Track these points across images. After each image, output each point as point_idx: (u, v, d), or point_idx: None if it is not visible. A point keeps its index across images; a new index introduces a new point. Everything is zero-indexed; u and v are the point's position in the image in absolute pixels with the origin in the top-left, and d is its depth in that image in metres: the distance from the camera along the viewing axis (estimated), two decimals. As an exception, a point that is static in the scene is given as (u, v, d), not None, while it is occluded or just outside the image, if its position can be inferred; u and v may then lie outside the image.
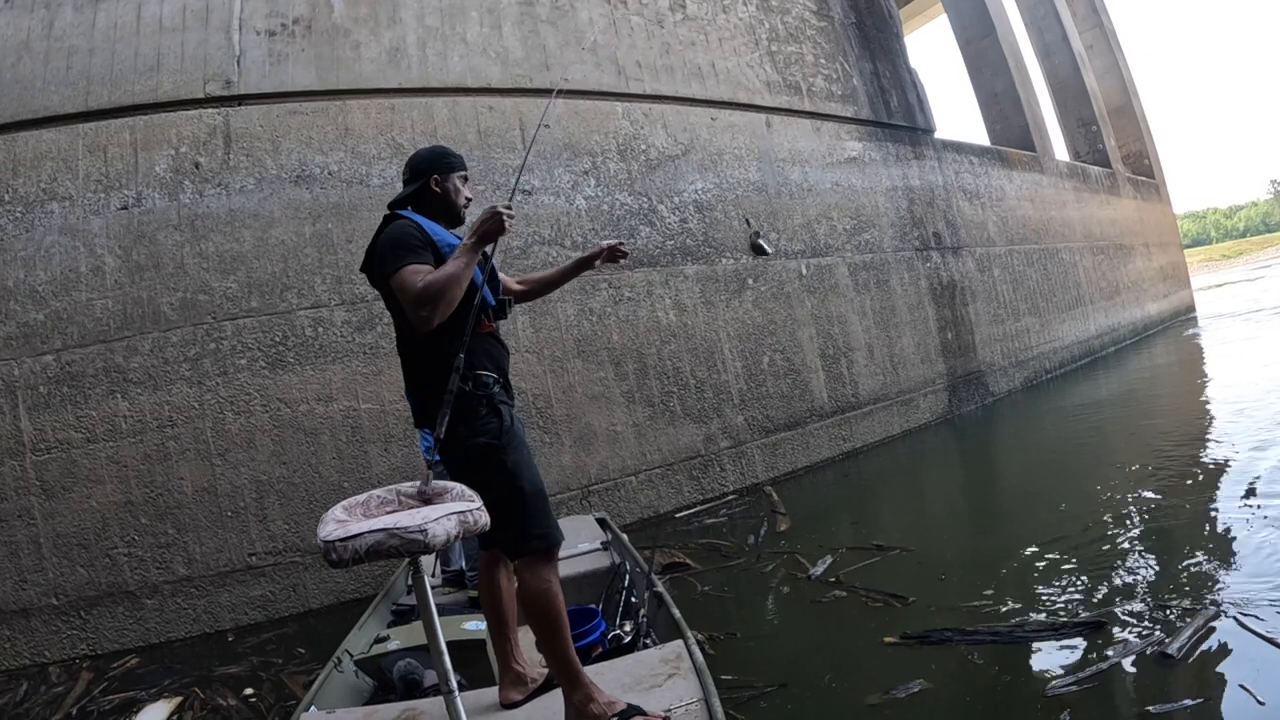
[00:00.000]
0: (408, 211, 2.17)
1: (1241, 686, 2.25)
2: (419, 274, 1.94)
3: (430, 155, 2.27)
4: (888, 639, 2.94)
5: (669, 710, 2.01)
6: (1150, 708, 2.24)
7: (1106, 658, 2.52)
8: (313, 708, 2.40)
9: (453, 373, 1.96)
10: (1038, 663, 2.63)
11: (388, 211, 2.20)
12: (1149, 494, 4.37)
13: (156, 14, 4.74)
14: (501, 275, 2.39)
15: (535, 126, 5.71)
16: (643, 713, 1.97)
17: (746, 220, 2.20)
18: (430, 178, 2.21)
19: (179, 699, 3.32)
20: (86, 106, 4.52)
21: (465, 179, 2.29)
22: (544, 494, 2.09)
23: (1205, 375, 9.04)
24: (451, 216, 2.22)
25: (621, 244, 2.44)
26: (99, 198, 4.48)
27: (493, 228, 1.97)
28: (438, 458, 3.39)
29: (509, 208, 1.99)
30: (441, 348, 2.01)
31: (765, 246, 2.50)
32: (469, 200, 2.30)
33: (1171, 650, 2.49)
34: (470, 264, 1.98)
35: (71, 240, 4.41)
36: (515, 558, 2.02)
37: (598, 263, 2.44)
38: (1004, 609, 3.06)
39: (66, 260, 4.38)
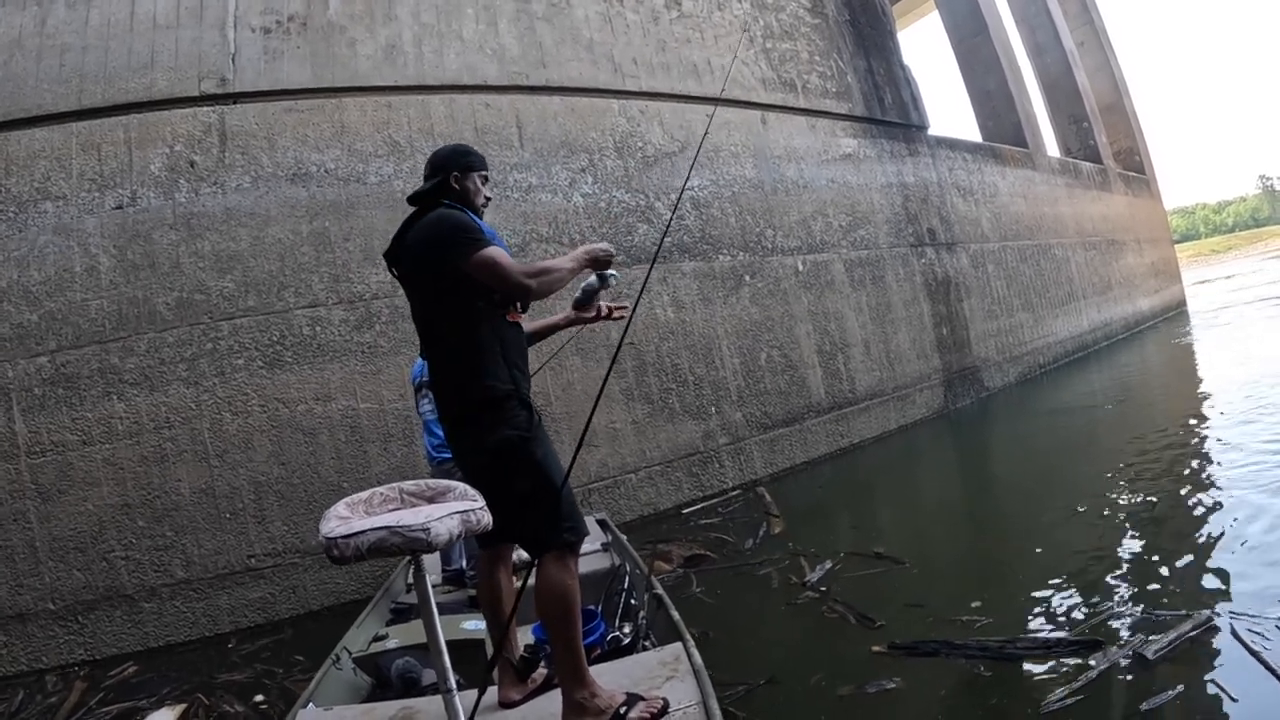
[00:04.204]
0: (450, 202, 2.17)
1: (1214, 682, 2.27)
2: (504, 254, 2.06)
3: (451, 153, 2.28)
4: (875, 647, 2.93)
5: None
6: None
7: (1090, 666, 2.49)
8: (310, 704, 2.38)
9: (494, 366, 2.05)
10: (1022, 674, 2.60)
11: (417, 205, 2.20)
12: (1142, 493, 4.36)
13: (150, 11, 4.69)
14: None
15: (532, 124, 5.76)
16: (642, 698, 1.99)
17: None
18: (449, 175, 2.21)
19: (183, 706, 3.28)
20: (80, 105, 4.48)
21: (485, 179, 2.30)
22: (570, 488, 2.09)
23: (1196, 370, 9.09)
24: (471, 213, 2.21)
25: (622, 307, 2.53)
26: (93, 197, 4.44)
27: (602, 257, 2.26)
28: (448, 455, 3.36)
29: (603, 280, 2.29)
30: (481, 339, 2.05)
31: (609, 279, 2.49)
32: (488, 200, 2.32)
33: (1149, 653, 2.48)
34: (576, 272, 2.21)
35: (65, 240, 4.36)
36: (542, 551, 1.99)
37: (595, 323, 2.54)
38: (996, 621, 3.01)
39: (60, 260, 4.33)
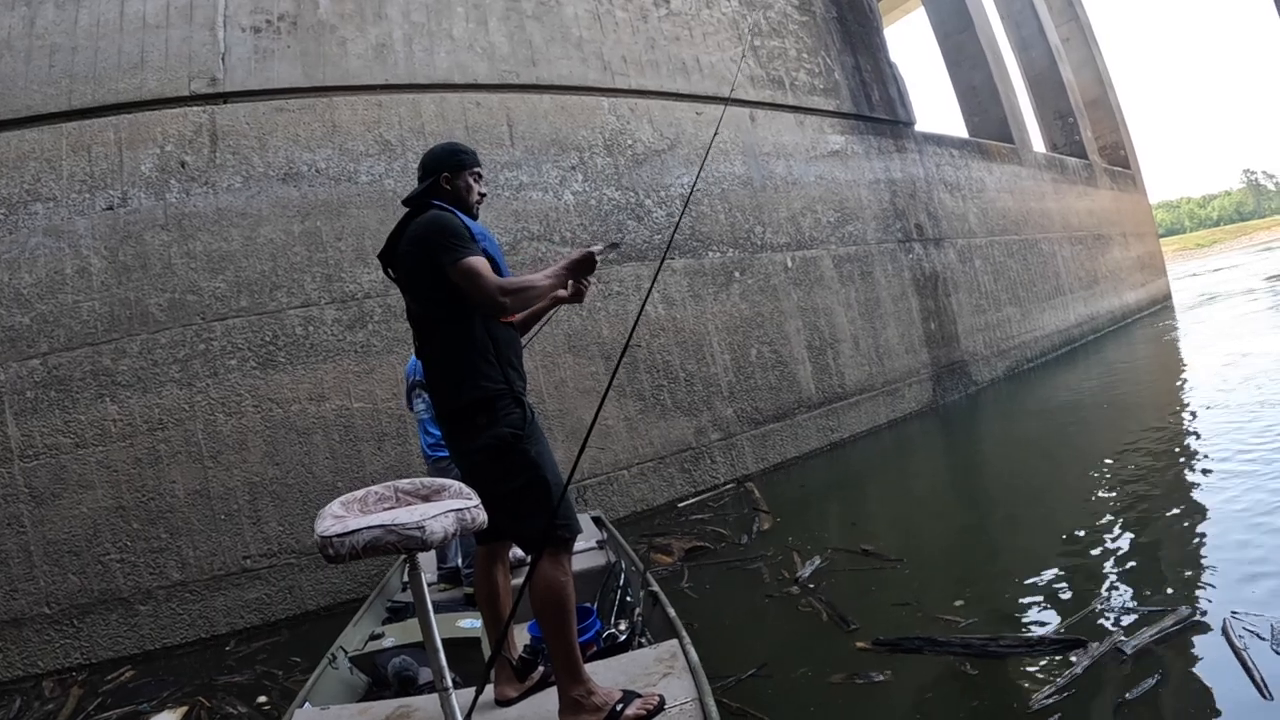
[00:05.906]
0: (442, 203, 2.17)
1: (1194, 677, 2.31)
2: (487, 266, 2.04)
3: (442, 153, 2.28)
4: (860, 644, 2.96)
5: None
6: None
7: (1073, 663, 2.53)
8: (307, 704, 2.39)
9: (488, 365, 2.06)
10: (1009, 671, 2.63)
11: (411, 207, 2.20)
12: (1129, 489, 4.41)
13: (140, 11, 4.67)
14: None
15: (523, 122, 5.77)
16: (638, 695, 2.00)
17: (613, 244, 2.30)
18: (440, 175, 2.22)
19: (184, 708, 3.27)
20: (70, 105, 4.45)
21: (478, 176, 2.30)
22: (564, 486, 2.09)
23: (1181, 364, 9.19)
24: (464, 213, 2.21)
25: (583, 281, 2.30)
26: (84, 198, 4.42)
27: (585, 267, 2.16)
28: (443, 453, 3.36)
29: (601, 252, 2.19)
30: (475, 339, 2.07)
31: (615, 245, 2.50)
32: (482, 196, 2.32)
33: (1128, 649, 2.51)
34: (555, 287, 2.15)
35: (56, 242, 4.34)
36: (537, 549, 1.99)
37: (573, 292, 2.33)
38: (983, 618, 3.03)
39: (52, 262, 4.32)
